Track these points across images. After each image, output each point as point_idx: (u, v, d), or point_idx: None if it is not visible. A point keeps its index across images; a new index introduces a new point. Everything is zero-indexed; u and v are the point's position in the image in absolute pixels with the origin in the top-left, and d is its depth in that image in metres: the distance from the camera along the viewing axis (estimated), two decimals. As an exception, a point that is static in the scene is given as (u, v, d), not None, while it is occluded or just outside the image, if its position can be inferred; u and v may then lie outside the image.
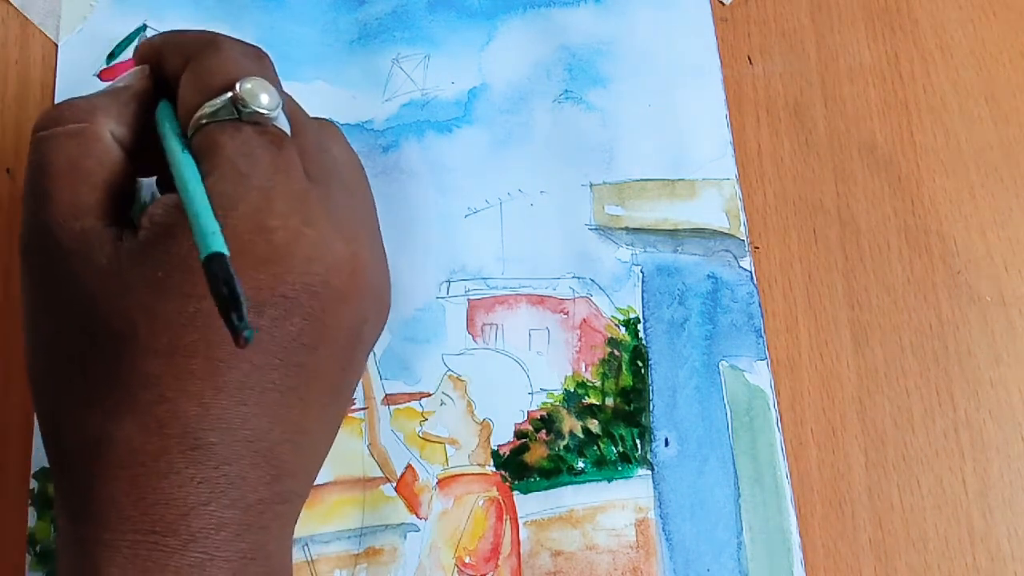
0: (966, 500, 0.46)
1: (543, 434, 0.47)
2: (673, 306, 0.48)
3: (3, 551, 0.45)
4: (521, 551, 0.45)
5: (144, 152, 0.38)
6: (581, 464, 0.46)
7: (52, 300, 0.36)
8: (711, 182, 0.50)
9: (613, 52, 0.52)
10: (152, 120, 0.38)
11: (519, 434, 0.47)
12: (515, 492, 0.46)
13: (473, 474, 0.46)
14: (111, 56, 0.52)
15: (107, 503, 0.34)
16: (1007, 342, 0.48)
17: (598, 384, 0.47)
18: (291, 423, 0.36)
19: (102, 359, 0.34)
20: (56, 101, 0.51)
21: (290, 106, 0.39)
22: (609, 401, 0.47)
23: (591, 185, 0.50)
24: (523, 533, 0.45)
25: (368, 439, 0.46)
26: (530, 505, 0.46)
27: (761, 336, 0.48)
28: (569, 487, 0.46)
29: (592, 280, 0.49)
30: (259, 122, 0.36)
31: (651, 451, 0.46)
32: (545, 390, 0.47)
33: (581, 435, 0.47)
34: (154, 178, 0.42)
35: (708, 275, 0.49)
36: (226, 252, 0.30)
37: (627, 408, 0.47)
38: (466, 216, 0.49)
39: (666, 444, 0.46)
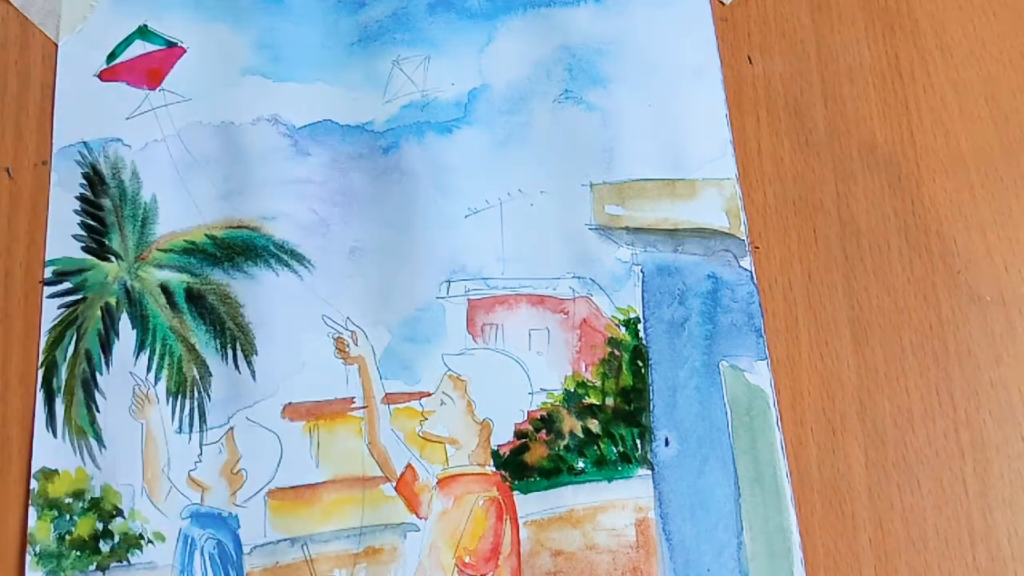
0: (966, 500, 0.46)
1: (543, 434, 0.47)
2: (673, 306, 0.48)
3: (3, 551, 0.45)
4: (521, 551, 0.45)
5: None
6: (581, 464, 0.46)
7: None
8: (711, 182, 0.50)
9: (613, 52, 0.52)
10: None
11: (519, 434, 0.47)
12: (515, 492, 0.46)
13: (473, 474, 0.46)
14: (111, 56, 0.52)
15: None
16: (1007, 342, 0.48)
17: (598, 384, 0.47)
18: None
19: None
20: (56, 101, 0.51)
21: None
22: (609, 401, 0.47)
23: (591, 185, 0.50)
24: (523, 533, 0.45)
25: (368, 438, 0.46)
26: (530, 505, 0.46)
27: (761, 336, 0.48)
28: (569, 487, 0.46)
29: (592, 280, 0.49)
30: None
31: (651, 451, 0.46)
32: (545, 390, 0.47)
33: (581, 435, 0.47)
34: None
35: (708, 275, 0.49)
36: None
37: (627, 408, 0.47)
38: (466, 216, 0.49)
39: (666, 444, 0.46)
